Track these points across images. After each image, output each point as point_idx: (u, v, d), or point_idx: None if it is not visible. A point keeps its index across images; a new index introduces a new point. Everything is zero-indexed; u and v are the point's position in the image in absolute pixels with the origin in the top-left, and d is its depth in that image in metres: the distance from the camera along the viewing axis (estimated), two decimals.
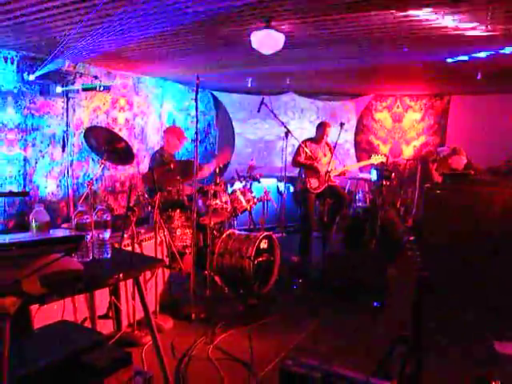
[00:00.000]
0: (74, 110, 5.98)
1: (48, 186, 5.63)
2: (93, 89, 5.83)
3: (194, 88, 3.67)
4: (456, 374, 2.85)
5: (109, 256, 2.07)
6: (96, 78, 6.10)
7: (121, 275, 1.93)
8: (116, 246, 3.00)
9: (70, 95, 5.84)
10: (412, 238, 2.68)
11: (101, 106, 6.38)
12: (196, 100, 3.68)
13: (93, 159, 6.24)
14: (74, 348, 1.68)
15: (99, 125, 6.12)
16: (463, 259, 4.03)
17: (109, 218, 2.08)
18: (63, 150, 5.82)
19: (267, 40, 3.85)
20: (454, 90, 7.53)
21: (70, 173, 5.90)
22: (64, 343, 1.72)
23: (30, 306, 1.50)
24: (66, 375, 1.61)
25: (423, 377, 1.78)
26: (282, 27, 3.77)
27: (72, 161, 5.92)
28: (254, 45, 3.91)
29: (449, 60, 4.80)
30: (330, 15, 3.43)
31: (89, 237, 2.00)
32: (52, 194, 5.70)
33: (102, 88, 5.88)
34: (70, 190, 5.91)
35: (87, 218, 2.00)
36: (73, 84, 5.76)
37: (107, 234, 2.07)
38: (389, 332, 3.30)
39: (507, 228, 3.99)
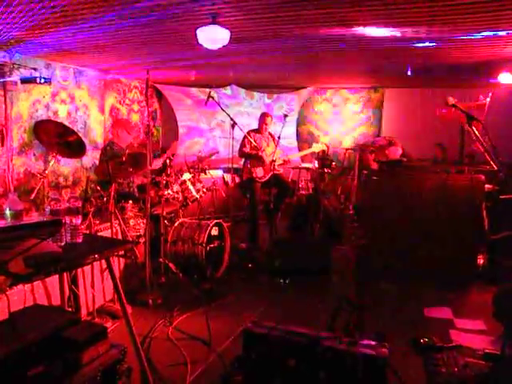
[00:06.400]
0: (12, 103, 5.80)
1: None
2: (32, 81, 5.71)
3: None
4: (391, 331, 3.19)
5: (80, 240, 2.19)
6: (35, 69, 5.95)
7: (96, 255, 2.08)
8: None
9: (7, 88, 5.66)
10: (352, 212, 2.97)
11: (40, 99, 6.22)
12: (146, 95, 3.77)
13: (34, 154, 6.10)
14: (53, 326, 1.81)
15: (42, 118, 5.98)
16: (397, 235, 4.46)
17: (80, 205, 2.19)
18: (2, 145, 5.65)
19: (213, 35, 4.02)
20: (388, 84, 8.05)
21: (10, 168, 5.74)
22: (42, 322, 1.83)
23: (17, 284, 1.61)
24: (49, 350, 1.73)
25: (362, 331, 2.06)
26: (227, 23, 3.94)
27: (12, 156, 5.75)
28: (201, 40, 4.05)
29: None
30: (273, 12, 3.66)
31: None
32: None
33: (42, 80, 5.76)
34: (11, 186, 5.75)
35: (60, 205, 2.10)
36: (10, 76, 5.60)
37: (79, 220, 2.18)
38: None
39: (435, 205, 4.45)
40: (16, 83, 5.67)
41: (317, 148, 6.28)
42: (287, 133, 8.44)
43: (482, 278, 4.48)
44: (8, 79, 5.52)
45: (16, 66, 5.68)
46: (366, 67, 6.36)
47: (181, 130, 8.52)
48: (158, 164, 4.72)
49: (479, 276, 4.50)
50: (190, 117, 8.57)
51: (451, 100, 3.08)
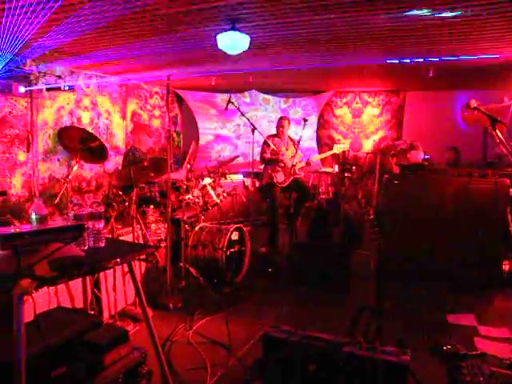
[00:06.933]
0: (38, 110, 5.94)
1: (12, 187, 5.58)
2: (57, 88, 5.84)
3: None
4: (412, 338, 3.15)
5: (103, 244, 2.23)
6: (60, 77, 6.08)
7: (118, 259, 2.11)
8: None
9: (34, 95, 5.80)
10: (372, 217, 2.94)
11: (64, 106, 6.34)
12: (167, 100, 3.82)
13: (58, 159, 6.22)
14: (76, 328, 1.85)
15: (66, 125, 6.10)
16: (418, 239, 4.39)
17: (102, 210, 2.24)
18: (28, 151, 5.78)
19: (233, 41, 4.04)
20: (409, 87, 7.95)
21: (36, 173, 5.87)
22: (66, 325, 1.88)
23: (42, 287, 1.65)
24: (71, 352, 1.77)
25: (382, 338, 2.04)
26: (247, 29, 3.96)
27: (37, 161, 5.88)
28: (221, 46, 4.07)
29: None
30: (292, 17, 3.67)
31: None
32: (17, 194, 5.65)
33: (66, 87, 5.90)
34: (36, 191, 5.87)
35: (83, 210, 2.15)
36: (36, 84, 5.74)
37: (101, 225, 2.23)
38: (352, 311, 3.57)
39: (457, 209, 4.39)
40: (42, 91, 5.81)
41: (338, 149, 6.25)
42: (305, 135, 8.41)
43: (507, 284, 4.38)
44: (34, 87, 5.66)
45: (42, 74, 5.83)
46: (386, 69, 6.31)
47: (208, 137, 8.62)
48: (182, 174, 4.76)
49: (504, 282, 4.40)
50: (213, 125, 8.64)
51: (473, 103, 3.03)
